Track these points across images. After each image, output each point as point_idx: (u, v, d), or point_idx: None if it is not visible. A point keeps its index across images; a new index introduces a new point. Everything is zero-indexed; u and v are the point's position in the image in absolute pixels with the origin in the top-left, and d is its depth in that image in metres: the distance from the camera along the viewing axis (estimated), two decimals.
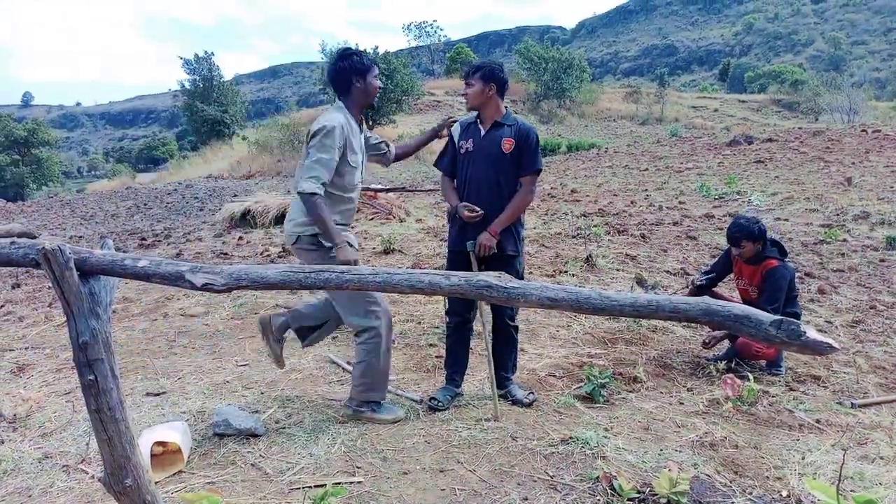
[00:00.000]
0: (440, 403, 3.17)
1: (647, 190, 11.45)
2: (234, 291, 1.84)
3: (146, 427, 2.84)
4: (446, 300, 3.34)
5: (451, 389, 3.30)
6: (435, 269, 6.02)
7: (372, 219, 9.85)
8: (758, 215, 8.41)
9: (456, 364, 3.35)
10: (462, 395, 3.35)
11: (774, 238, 3.98)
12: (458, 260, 3.22)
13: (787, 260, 3.83)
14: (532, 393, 3.33)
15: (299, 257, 3.02)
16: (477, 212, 3.08)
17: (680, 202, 9.87)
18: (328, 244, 2.87)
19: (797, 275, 5.96)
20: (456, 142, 3.24)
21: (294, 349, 4.21)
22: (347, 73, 2.95)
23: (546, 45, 45.67)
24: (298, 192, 2.82)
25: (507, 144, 3.11)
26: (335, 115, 2.93)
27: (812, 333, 1.45)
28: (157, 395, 3.44)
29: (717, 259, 4.15)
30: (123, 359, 4.01)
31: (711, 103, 46.44)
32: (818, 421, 3.06)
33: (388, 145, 3.38)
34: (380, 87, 3.09)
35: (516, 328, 3.37)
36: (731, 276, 4.07)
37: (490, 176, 3.12)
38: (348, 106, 3.02)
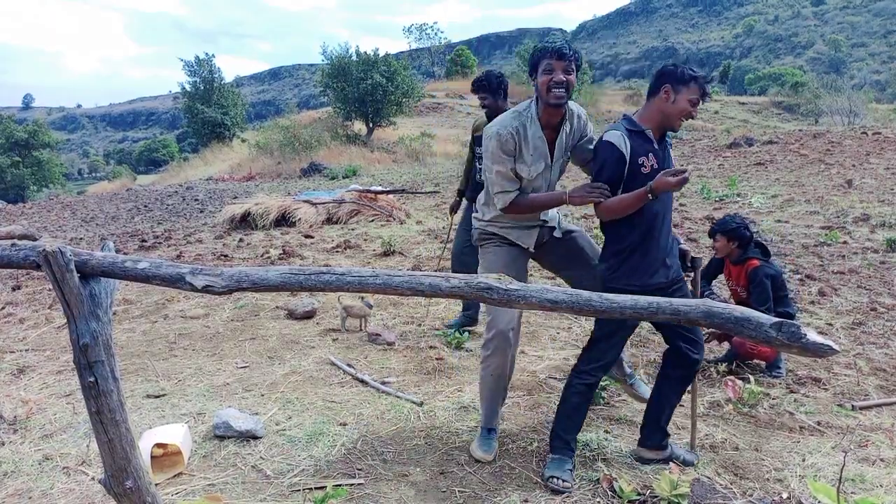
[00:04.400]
0: (567, 484, 2.48)
1: None
2: (235, 293, 1.84)
3: (146, 429, 2.84)
4: (596, 354, 2.61)
5: (570, 460, 2.59)
6: (434, 270, 6.02)
7: (372, 220, 9.86)
8: (758, 217, 8.41)
9: (577, 427, 2.65)
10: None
11: (760, 241, 4.01)
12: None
13: (770, 260, 3.86)
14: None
15: None
16: (684, 170, 2.36)
17: (680, 204, 9.86)
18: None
19: (797, 276, 5.95)
20: (626, 156, 2.46)
21: (294, 350, 4.21)
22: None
23: None
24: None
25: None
26: None
27: (812, 336, 1.45)
28: (158, 396, 3.44)
29: (709, 260, 4.18)
30: (124, 361, 4.01)
31: (712, 105, 46.38)
32: (819, 423, 3.06)
33: None
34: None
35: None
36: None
37: (671, 205, 2.63)
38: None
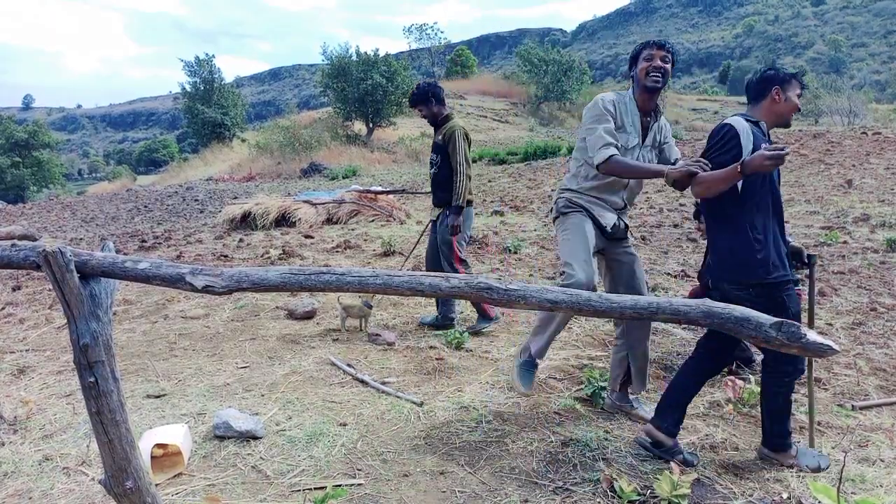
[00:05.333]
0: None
1: (647, 192, 11.44)
2: (235, 294, 1.84)
3: (147, 429, 2.84)
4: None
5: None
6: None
7: (372, 220, 9.86)
8: None
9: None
10: None
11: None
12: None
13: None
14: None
15: None
16: (782, 149, 2.34)
17: (680, 204, 9.87)
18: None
19: (796, 277, 5.95)
20: (744, 140, 2.48)
21: (294, 350, 4.21)
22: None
23: (546, 47, 45.66)
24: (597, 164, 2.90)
25: None
26: None
27: (812, 336, 1.45)
28: (158, 397, 3.44)
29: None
30: (124, 361, 4.01)
31: (712, 105, 46.46)
32: (819, 423, 3.06)
33: None
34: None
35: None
36: None
37: (780, 200, 2.68)
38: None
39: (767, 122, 2.60)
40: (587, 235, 2.93)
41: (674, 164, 2.88)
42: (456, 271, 4.43)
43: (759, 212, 2.50)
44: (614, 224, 3.02)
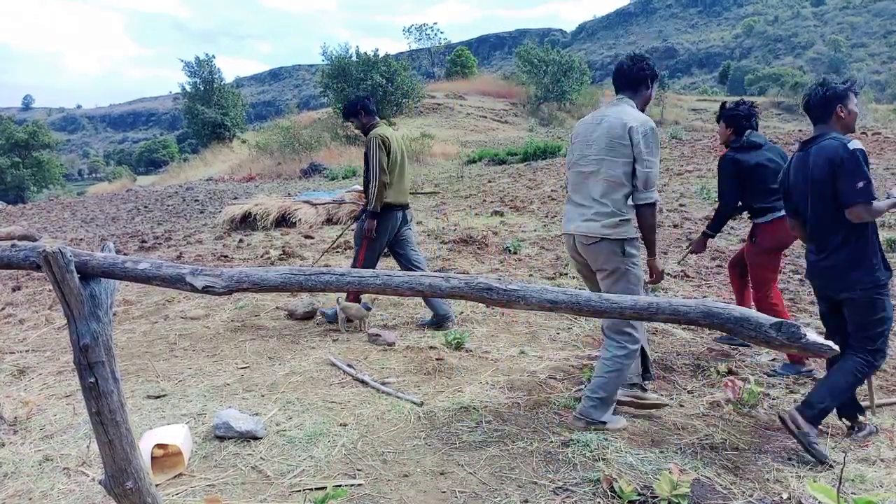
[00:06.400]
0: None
1: None
2: (235, 294, 1.84)
3: (147, 429, 2.84)
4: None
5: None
6: (434, 271, 6.03)
7: None
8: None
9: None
10: None
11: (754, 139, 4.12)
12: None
13: (761, 150, 4.01)
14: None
15: (594, 255, 2.98)
16: None
17: (680, 204, 9.86)
18: (632, 252, 2.94)
19: (798, 276, 5.95)
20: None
21: (295, 351, 4.21)
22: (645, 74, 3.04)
23: (546, 47, 45.63)
24: (646, 203, 2.88)
25: None
26: (642, 115, 2.98)
27: (812, 336, 1.45)
28: (158, 397, 3.44)
29: None
30: (124, 361, 4.01)
31: (712, 106, 46.39)
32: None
33: None
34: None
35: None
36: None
37: None
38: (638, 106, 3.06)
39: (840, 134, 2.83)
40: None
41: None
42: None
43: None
44: None
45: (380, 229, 4.58)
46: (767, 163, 3.86)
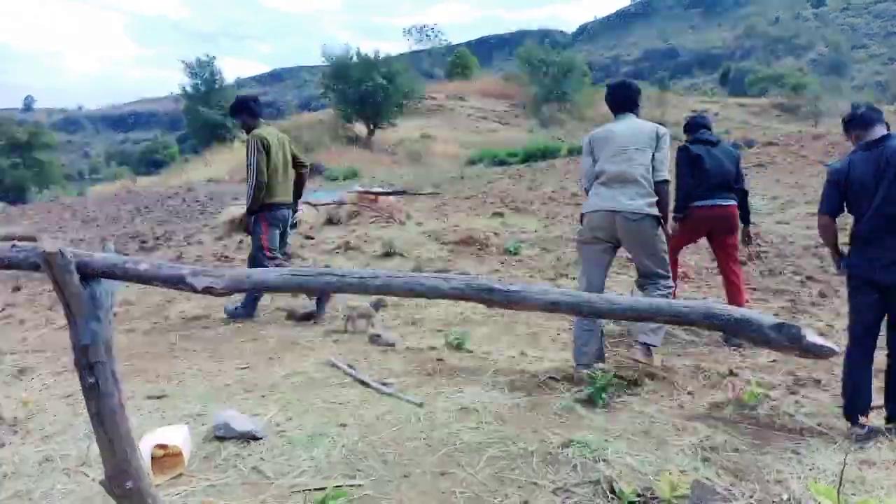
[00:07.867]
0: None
1: None
2: (235, 294, 1.84)
3: (147, 430, 2.84)
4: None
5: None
6: (435, 272, 6.03)
7: (372, 222, 9.86)
8: (759, 219, 8.39)
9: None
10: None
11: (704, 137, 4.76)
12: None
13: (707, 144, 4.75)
14: None
15: (637, 227, 3.69)
16: None
17: None
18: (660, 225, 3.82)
19: (798, 277, 5.95)
20: None
21: (295, 351, 4.21)
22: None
23: (547, 48, 45.61)
24: (664, 181, 3.78)
25: None
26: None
27: (812, 337, 1.45)
28: (158, 398, 3.44)
29: None
30: (124, 362, 4.00)
31: (712, 107, 46.37)
32: (819, 424, 3.06)
33: None
34: None
35: None
36: None
37: None
38: None
39: None
40: None
41: None
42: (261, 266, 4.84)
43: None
44: None
45: (266, 227, 4.91)
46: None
